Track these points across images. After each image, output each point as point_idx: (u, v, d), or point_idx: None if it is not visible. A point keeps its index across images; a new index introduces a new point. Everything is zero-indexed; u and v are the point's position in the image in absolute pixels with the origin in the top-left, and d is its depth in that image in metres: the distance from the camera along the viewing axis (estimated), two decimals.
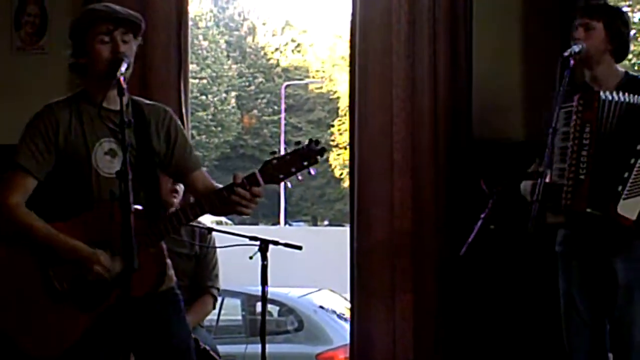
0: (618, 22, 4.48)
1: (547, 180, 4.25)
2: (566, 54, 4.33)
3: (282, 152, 3.58)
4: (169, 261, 3.94)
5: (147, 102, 3.95)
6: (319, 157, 3.55)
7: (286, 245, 4.91)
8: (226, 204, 3.59)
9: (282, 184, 3.63)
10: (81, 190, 3.70)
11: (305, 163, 3.54)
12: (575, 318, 4.47)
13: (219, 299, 5.52)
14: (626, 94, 4.28)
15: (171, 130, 3.87)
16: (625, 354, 4.41)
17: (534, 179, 4.29)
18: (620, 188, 4.16)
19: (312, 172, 3.59)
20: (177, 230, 3.86)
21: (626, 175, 4.17)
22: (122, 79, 3.50)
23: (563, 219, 4.29)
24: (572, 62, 4.31)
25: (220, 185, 3.75)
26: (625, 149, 4.20)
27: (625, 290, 4.34)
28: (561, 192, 4.22)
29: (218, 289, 5.39)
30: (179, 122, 3.97)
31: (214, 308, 5.45)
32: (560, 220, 4.31)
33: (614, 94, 4.27)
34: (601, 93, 4.27)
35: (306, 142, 3.56)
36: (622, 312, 4.37)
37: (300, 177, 3.59)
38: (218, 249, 5.34)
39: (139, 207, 3.48)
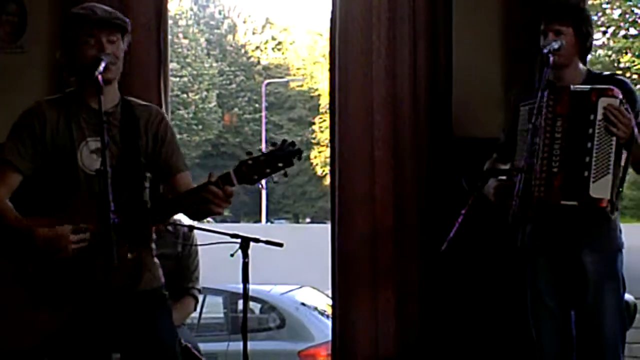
0: (585, 24, 4.55)
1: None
2: (545, 50, 4.37)
3: (259, 153, 3.58)
4: (156, 261, 3.96)
5: (140, 102, 3.98)
6: (294, 159, 3.53)
7: (267, 242, 4.91)
8: (198, 202, 3.59)
9: (258, 184, 3.61)
10: (67, 188, 3.72)
11: (280, 164, 3.52)
12: (543, 310, 4.52)
13: (201, 297, 5.52)
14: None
15: (160, 130, 3.90)
16: (596, 343, 4.45)
17: (509, 174, 4.36)
18: (586, 173, 4.22)
19: (287, 174, 3.59)
20: (157, 230, 3.89)
21: (587, 159, 4.24)
22: (100, 78, 3.51)
23: (531, 214, 4.32)
24: (551, 58, 4.35)
25: None
26: (581, 135, 4.27)
27: (595, 282, 4.41)
28: (530, 187, 4.24)
29: (199, 290, 5.40)
30: (170, 124, 4.01)
31: (194, 309, 5.46)
32: (528, 214, 4.34)
33: (580, 87, 4.37)
34: (571, 87, 4.36)
35: (281, 143, 3.54)
36: (593, 303, 4.42)
37: (275, 179, 3.58)
38: (200, 247, 5.34)
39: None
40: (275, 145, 3.54)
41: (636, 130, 4.27)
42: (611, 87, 4.33)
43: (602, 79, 4.56)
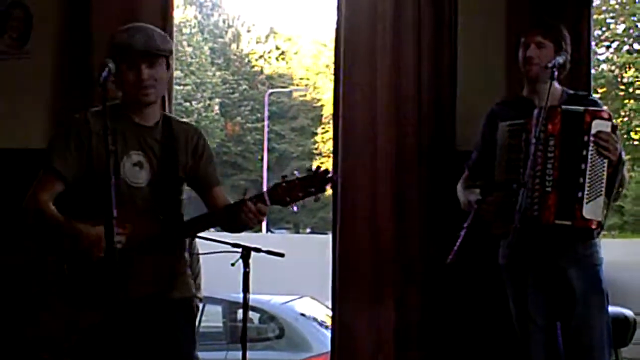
0: (565, 41, 4.63)
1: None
2: (550, 65, 4.40)
3: (295, 175, 3.70)
4: (188, 271, 4.02)
5: (180, 120, 4.14)
6: (326, 186, 3.67)
7: (268, 252, 4.91)
8: (234, 216, 3.75)
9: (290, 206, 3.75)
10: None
11: (313, 190, 3.66)
12: (529, 324, 4.55)
13: (200, 306, 5.52)
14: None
15: (199, 146, 4.04)
16: (585, 356, 4.51)
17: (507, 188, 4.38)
18: (580, 194, 4.28)
19: (319, 198, 3.72)
20: (189, 235, 3.97)
21: (581, 180, 4.30)
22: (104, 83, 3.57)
23: (511, 230, 4.32)
24: (556, 73, 4.38)
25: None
26: (575, 156, 4.33)
27: (582, 297, 4.47)
28: (512, 204, 4.26)
29: (200, 299, 5.39)
30: (207, 141, 4.13)
31: (195, 317, 5.45)
32: (507, 230, 4.35)
33: (572, 107, 4.44)
34: (563, 107, 4.43)
35: (316, 169, 3.68)
36: (581, 318, 4.48)
37: (304, 202, 3.71)
38: (200, 256, 5.34)
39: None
40: (311, 170, 3.68)
41: (623, 153, 4.36)
42: (604, 109, 4.43)
43: (579, 98, 4.65)
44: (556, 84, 4.63)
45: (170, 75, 4.06)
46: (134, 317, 3.62)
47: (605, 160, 4.33)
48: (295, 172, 3.69)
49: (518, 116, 4.50)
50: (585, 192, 4.29)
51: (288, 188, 3.67)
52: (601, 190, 4.32)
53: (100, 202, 3.74)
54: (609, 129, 4.34)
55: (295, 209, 3.80)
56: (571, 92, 4.73)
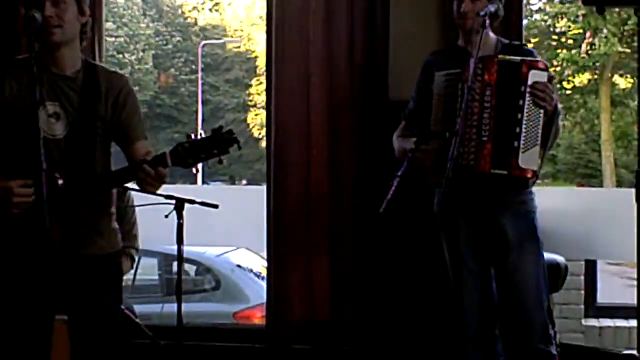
0: None
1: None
2: (482, 13, 4.41)
3: (196, 137, 3.58)
4: (115, 226, 3.96)
5: (106, 68, 3.99)
6: (229, 147, 3.56)
7: (202, 204, 4.90)
8: (132, 179, 3.65)
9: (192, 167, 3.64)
10: (28, 151, 3.68)
11: (216, 151, 3.55)
12: (463, 269, 4.62)
13: (136, 257, 5.49)
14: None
15: (120, 97, 3.87)
16: (521, 302, 4.57)
17: (442, 138, 4.40)
18: (516, 143, 4.30)
19: (223, 161, 3.62)
20: (89, 193, 3.86)
21: (517, 130, 4.33)
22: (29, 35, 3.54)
23: (443, 179, 4.34)
24: (487, 21, 4.38)
25: None
26: (512, 106, 4.35)
27: (516, 244, 4.52)
28: (447, 152, 4.26)
29: (137, 249, 5.36)
30: (133, 92, 3.98)
31: (131, 268, 5.43)
32: (441, 179, 4.37)
33: (508, 57, 4.45)
34: (499, 56, 4.45)
35: (219, 129, 3.57)
36: (515, 264, 4.54)
37: (208, 163, 3.61)
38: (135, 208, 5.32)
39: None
40: (214, 131, 3.56)
41: (559, 104, 4.38)
42: (540, 59, 4.44)
43: (514, 48, 4.67)
44: (491, 34, 4.65)
45: (86, 21, 3.84)
46: (53, 270, 3.59)
47: (542, 111, 4.36)
48: (201, 132, 3.61)
49: (454, 66, 4.50)
50: (522, 142, 4.32)
51: (190, 149, 3.55)
52: (537, 140, 4.35)
53: (18, 155, 3.69)
54: (545, 79, 4.36)
55: (195, 170, 3.73)
56: (506, 41, 4.75)
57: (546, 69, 4.41)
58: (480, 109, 4.37)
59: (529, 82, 4.33)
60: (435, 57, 4.80)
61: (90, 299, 3.80)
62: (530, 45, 4.81)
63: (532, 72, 4.35)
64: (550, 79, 4.42)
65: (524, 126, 4.33)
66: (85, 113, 3.77)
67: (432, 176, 4.50)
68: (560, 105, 4.50)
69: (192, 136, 3.57)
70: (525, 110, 4.33)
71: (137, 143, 3.89)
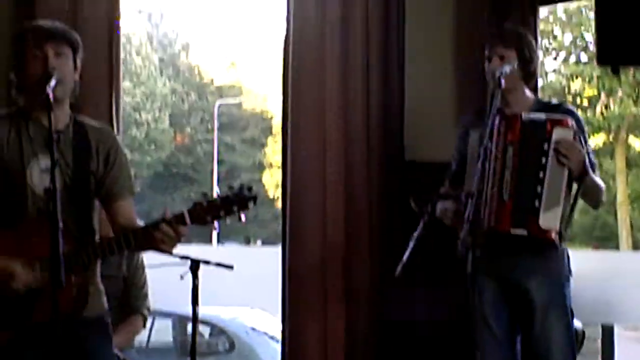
0: (529, 48, 4.58)
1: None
2: (498, 74, 4.38)
3: (217, 192, 3.56)
4: (102, 287, 3.88)
5: (93, 123, 3.87)
6: (249, 204, 3.53)
7: (218, 264, 4.88)
8: (149, 238, 3.55)
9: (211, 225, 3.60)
10: (15, 206, 3.63)
11: (235, 208, 3.52)
12: (488, 335, 4.51)
13: (150, 320, 5.45)
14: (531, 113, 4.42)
15: (111, 153, 3.80)
16: None
17: (457, 199, 4.36)
18: (537, 203, 4.23)
19: (242, 217, 3.58)
20: (102, 258, 3.80)
21: (539, 189, 4.25)
22: (50, 94, 3.44)
23: (478, 240, 4.30)
24: (502, 82, 4.36)
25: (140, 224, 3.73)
26: (534, 164, 4.29)
27: (542, 310, 4.42)
28: (479, 213, 4.24)
29: (148, 309, 5.32)
30: (122, 148, 3.91)
31: (143, 327, 5.39)
32: (475, 241, 4.33)
33: (530, 114, 4.39)
34: (523, 115, 4.37)
35: (238, 187, 3.54)
36: (540, 331, 4.43)
37: (228, 220, 3.58)
38: (148, 270, 5.28)
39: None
40: (232, 188, 3.54)
41: (587, 162, 4.30)
42: (566, 118, 4.36)
43: (551, 107, 4.59)
44: (528, 92, 4.60)
45: (76, 75, 3.75)
46: (45, 340, 3.41)
47: (565, 169, 4.28)
48: (216, 191, 3.58)
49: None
50: (543, 201, 4.24)
51: (209, 207, 3.51)
52: (559, 200, 4.27)
53: (9, 211, 3.64)
54: (570, 137, 4.29)
55: (216, 226, 3.68)
56: (545, 100, 4.71)
57: (571, 127, 4.31)
58: (502, 168, 4.32)
59: (553, 140, 4.27)
60: (473, 117, 4.74)
61: None
62: None
63: (557, 129, 4.28)
64: (575, 135, 4.31)
65: (546, 185, 4.25)
66: (81, 168, 3.70)
67: (466, 237, 4.43)
68: (589, 161, 4.40)
69: (214, 194, 3.54)
70: (548, 169, 4.26)
71: (122, 201, 3.81)
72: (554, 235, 4.29)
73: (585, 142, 4.44)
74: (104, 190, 3.78)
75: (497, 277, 4.50)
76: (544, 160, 4.25)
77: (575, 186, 4.39)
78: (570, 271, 4.53)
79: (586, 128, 4.56)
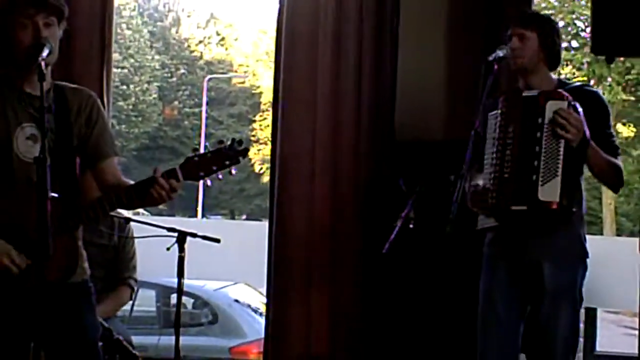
0: (551, 31, 4.55)
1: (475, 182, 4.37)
2: (490, 58, 4.38)
3: (204, 149, 3.56)
4: (84, 252, 3.89)
5: (71, 86, 3.88)
6: (241, 158, 3.54)
7: (204, 237, 4.89)
8: (144, 194, 3.58)
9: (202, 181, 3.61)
10: (2, 174, 3.64)
11: (227, 162, 3.52)
12: (492, 317, 4.49)
13: (135, 288, 5.47)
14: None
15: (93, 114, 3.80)
16: (547, 356, 4.45)
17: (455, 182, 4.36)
18: (534, 177, 4.22)
19: (233, 171, 3.58)
20: (94, 221, 3.82)
21: (535, 163, 4.23)
22: (42, 64, 3.45)
23: (494, 222, 4.32)
24: (495, 67, 4.36)
25: (129, 181, 3.76)
26: (530, 139, 4.27)
27: (552, 297, 4.37)
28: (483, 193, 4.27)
29: (135, 280, 5.34)
30: (102, 107, 3.91)
31: (130, 299, 5.41)
32: (492, 223, 4.34)
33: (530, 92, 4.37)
34: (525, 92, 4.36)
35: (229, 141, 3.54)
36: (547, 318, 4.39)
37: (220, 176, 3.58)
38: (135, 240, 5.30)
39: (55, 195, 3.43)
40: (223, 142, 3.54)
41: (588, 133, 4.27)
42: (559, 90, 4.33)
43: (573, 89, 4.48)
44: (551, 75, 4.57)
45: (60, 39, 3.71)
46: (37, 304, 3.45)
47: (562, 140, 4.20)
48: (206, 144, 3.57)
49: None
50: (541, 174, 4.20)
51: (200, 162, 3.52)
52: (557, 171, 4.20)
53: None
54: (565, 107, 4.22)
55: (209, 183, 3.68)
56: (568, 81, 4.65)
57: (565, 99, 4.24)
58: (504, 147, 4.30)
59: (547, 113, 4.23)
60: (491, 100, 4.69)
61: (69, 329, 3.71)
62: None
63: (550, 102, 4.26)
64: (569, 105, 4.23)
65: (542, 158, 4.21)
66: (63, 133, 3.70)
67: (482, 220, 4.43)
68: (610, 145, 4.38)
69: (200, 149, 3.54)
70: (544, 142, 4.24)
71: (107, 160, 3.82)
72: (555, 206, 4.23)
73: (605, 124, 4.41)
74: (89, 150, 3.80)
75: (510, 259, 4.46)
76: (538, 133, 4.24)
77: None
78: (587, 253, 4.48)
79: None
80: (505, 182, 4.28)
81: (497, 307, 4.46)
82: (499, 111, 4.31)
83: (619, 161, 4.46)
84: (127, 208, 3.99)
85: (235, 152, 3.53)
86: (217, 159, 3.53)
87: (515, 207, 4.27)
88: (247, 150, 3.55)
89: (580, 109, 4.25)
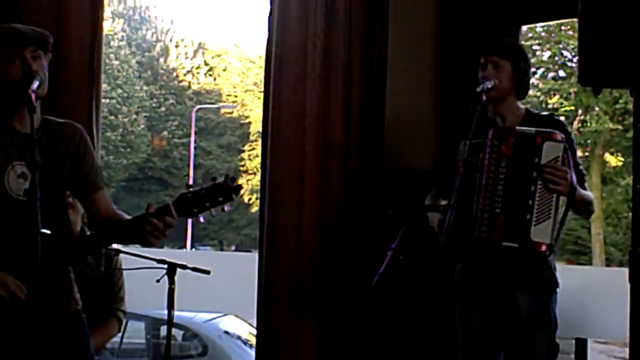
0: (524, 61, 4.61)
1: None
2: (479, 89, 4.42)
3: (196, 186, 3.58)
4: (75, 284, 3.88)
5: (59, 120, 3.86)
6: (234, 195, 3.56)
7: (194, 269, 4.87)
8: (137, 233, 3.57)
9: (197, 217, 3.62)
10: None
11: (221, 199, 3.54)
12: (474, 347, 4.52)
13: (124, 320, 5.45)
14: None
15: (80, 147, 3.79)
16: None
17: (443, 210, 4.36)
18: (528, 216, 4.24)
19: (226, 208, 3.60)
20: (87, 256, 3.82)
21: (530, 202, 4.26)
22: (33, 96, 3.44)
23: (463, 252, 4.33)
24: (484, 97, 4.39)
25: (121, 212, 3.77)
26: (525, 178, 4.29)
27: (527, 325, 4.42)
28: (462, 224, 4.27)
29: (124, 312, 5.32)
30: (89, 141, 3.89)
31: (119, 331, 5.39)
32: (460, 251, 4.36)
33: (525, 128, 4.38)
34: (517, 128, 4.37)
35: (222, 178, 3.56)
36: (525, 345, 4.44)
37: (214, 212, 3.59)
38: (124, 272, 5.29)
39: (47, 231, 3.42)
40: (216, 179, 3.56)
41: (574, 179, 4.31)
42: (555, 131, 4.35)
43: (541, 119, 4.60)
44: (520, 104, 4.62)
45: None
46: (33, 338, 3.43)
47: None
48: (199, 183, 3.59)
49: (479, 136, 4.43)
50: (534, 215, 4.24)
51: (194, 199, 3.53)
52: (550, 213, 4.27)
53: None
54: (560, 151, 4.26)
55: (201, 219, 3.70)
56: (535, 112, 4.70)
57: (561, 141, 4.30)
58: (494, 181, 4.31)
59: (544, 153, 4.27)
60: (466, 127, 4.70)
61: (64, 358, 3.69)
62: None
63: (547, 143, 4.27)
64: (565, 148, 4.31)
65: (537, 199, 4.25)
66: (52, 170, 3.66)
67: (445, 249, 4.44)
68: (577, 173, 4.40)
69: (194, 186, 3.55)
70: (539, 183, 4.26)
71: (97, 194, 3.82)
72: (544, 248, 4.29)
73: (574, 154, 4.44)
74: (80, 183, 3.80)
75: (483, 290, 4.50)
76: (535, 173, 4.26)
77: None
78: (557, 282, 4.54)
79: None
80: (496, 217, 4.29)
81: (479, 337, 4.48)
82: (489, 142, 4.31)
83: (588, 189, 4.53)
84: (121, 243, 3.98)
85: (229, 189, 3.54)
86: (210, 196, 3.54)
87: (507, 243, 4.28)
88: (240, 187, 3.57)
89: (569, 153, 4.30)
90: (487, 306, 4.49)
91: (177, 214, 3.55)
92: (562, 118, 26.37)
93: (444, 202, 4.63)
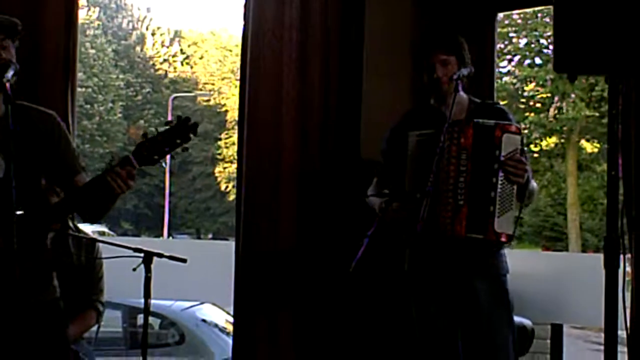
0: (466, 53, 4.68)
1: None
2: (455, 77, 4.44)
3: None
4: (53, 271, 3.87)
5: (34, 107, 3.85)
6: (191, 135, 3.59)
7: (171, 257, 4.87)
8: (101, 186, 3.56)
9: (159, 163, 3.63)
10: None
11: (178, 141, 3.57)
12: (431, 330, 4.52)
13: (103, 310, 5.44)
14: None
15: (55, 134, 3.80)
16: None
17: (419, 199, 4.38)
18: (492, 208, 4.30)
19: (187, 148, 3.64)
20: (59, 222, 3.80)
21: (492, 194, 4.31)
22: (7, 85, 3.43)
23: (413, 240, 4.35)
24: (460, 85, 4.41)
25: None
26: (487, 170, 4.34)
27: (487, 308, 4.50)
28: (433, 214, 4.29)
29: (102, 304, 5.32)
30: (65, 126, 3.90)
31: (97, 323, 5.37)
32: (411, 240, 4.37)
33: (483, 120, 4.43)
34: (475, 120, 4.42)
35: (177, 120, 3.59)
36: (486, 328, 4.50)
37: (175, 153, 3.63)
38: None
39: (21, 212, 3.41)
40: (171, 122, 3.58)
41: (530, 172, 4.41)
42: (513, 123, 4.47)
43: (486, 107, 4.70)
44: (462, 93, 4.66)
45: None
46: (12, 324, 3.46)
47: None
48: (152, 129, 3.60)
49: (427, 126, 4.50)
50: (497, 206, 4.30)
51: (152, 145, 3.56)
52: (512, 204, 4.34)
53: None
54: (518, 143, 4.34)
55: (165, 165, 3.69)
56: (478, 100, 4.76)
57: (519, 133, 4.40)
58: (457, 173, 4.35)
59: (504, 145, 4.32)
60: (409, 117, 4.81)
61: (38, 347, 3.67)
62: None
63: (506, 135, 4.34)
64: (522, 140, 4.41)
65: (499, 190, 4.31)
66: (26, 153, 3.63)
67: (405, 236, 4.46)
68: (530, 170, 4.50)
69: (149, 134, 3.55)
70: (500, 175, 4.32)
71: (78, 176, 3.82)
72: (505, 239, 4.36)
73: (522, 141, 4.49)
74: (58, 168, 3.80)
75: (442, 277, 4.52)
76: (495, 165, 4.31)
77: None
78: (507, 268, 4.62)
79: (539, 130, 4.63)
80: (459, 209, 4.34)
81: (437, 321, 4.51)
82: (448, 135, 4.34)
83: (532, 180, 4.62)
84: (89, 210, 3.92)
85: (185, 128, 3.58)
86: (168, 139, 3.57)
87: (471, 235, 4.33)
88: (196, 125, 3.61)
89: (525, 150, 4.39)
90: (443, 291, 4.52)
91: (138, 163, 3.57)
92: (537, 105, 26.57)
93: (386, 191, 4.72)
